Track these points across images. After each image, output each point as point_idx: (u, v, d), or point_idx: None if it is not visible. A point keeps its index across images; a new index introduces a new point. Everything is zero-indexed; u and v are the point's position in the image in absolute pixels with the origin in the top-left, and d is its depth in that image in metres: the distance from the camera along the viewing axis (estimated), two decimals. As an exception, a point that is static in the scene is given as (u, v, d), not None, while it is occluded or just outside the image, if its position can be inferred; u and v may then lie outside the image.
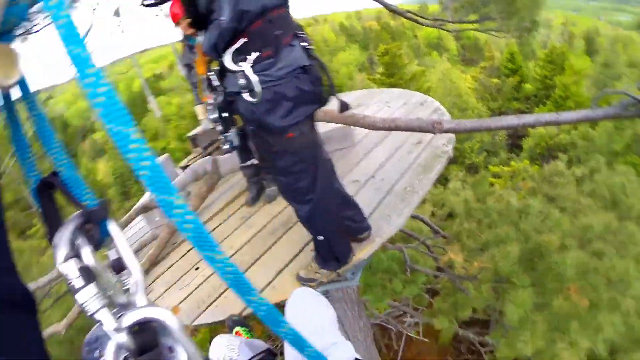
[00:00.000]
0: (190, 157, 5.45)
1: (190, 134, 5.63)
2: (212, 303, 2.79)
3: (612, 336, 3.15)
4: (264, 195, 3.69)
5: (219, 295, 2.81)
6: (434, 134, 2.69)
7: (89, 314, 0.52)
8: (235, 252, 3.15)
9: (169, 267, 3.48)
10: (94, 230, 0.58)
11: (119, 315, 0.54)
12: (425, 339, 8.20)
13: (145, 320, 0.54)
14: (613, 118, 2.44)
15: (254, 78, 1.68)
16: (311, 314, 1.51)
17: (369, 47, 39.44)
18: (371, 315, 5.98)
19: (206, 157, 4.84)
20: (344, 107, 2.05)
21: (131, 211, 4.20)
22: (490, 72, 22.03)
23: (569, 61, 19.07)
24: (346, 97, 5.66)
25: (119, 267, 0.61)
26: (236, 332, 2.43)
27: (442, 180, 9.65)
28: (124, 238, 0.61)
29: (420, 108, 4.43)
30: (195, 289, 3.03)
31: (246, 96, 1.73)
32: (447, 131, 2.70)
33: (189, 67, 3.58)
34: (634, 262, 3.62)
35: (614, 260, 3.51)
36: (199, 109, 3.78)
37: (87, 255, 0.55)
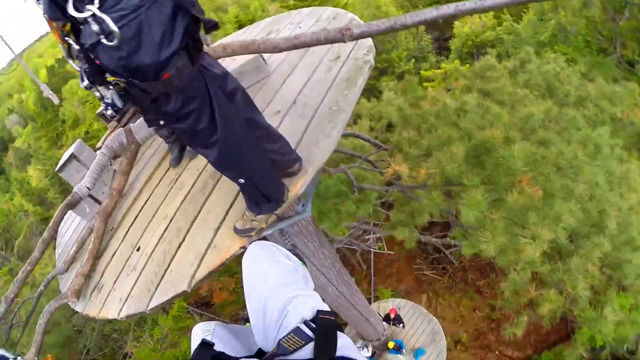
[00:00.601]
0: (105, 134, 4.91)
1: (99, 110, 5.04)
2: (160, 281, 2.56)
3: (571, 223, 3.15)
4: (187, 151, 3.36)
5: (165, 271, 2.57)
6: (345, 42, 2.40)
7: None
8: (170, 221, 2.88)
9: (113, 255, 3.19)
10: None
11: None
12: (391, 252, 8.57)
13: None
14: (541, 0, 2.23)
15: (107, 17, 1.39)
16: (267, 272, 1.41)
17: (277, -25, 36.70)
18: (334, 240, 6.00)
19: (119, 129, 4.34)
20: (211, 26, 1.73)
21: (56, 212, 3.77)
22: (407, -21, 21.20)
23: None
24: (255, 27, 5.17)
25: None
26: None
27: (376, 93, 9.49)
28: None
29: (333, 22, 4.05)
30: (142, 270, 2.78)
31: (105, 42, 1.44)
32: (359, 37, 2.41)
33: None
34: (581, 146, 3.62)
35: (561, 147, 3.48)
36: None
37: None
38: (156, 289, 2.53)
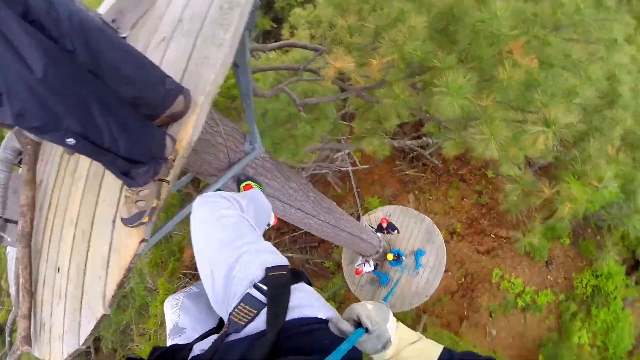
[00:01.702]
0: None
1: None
2: (81, 307, 1.87)
3: (589, 97, 2.30)
4: None
5: (82, 293, 1.86)
6: None
7: None
8: (76, 225, 2.10)
9: (44, 283, 2.47)
10: None
11: None
12: (366, 165, 7.93)
13: None
14: None
15: None
16: (208, 235, 1.16)
17: None
18: (301, 169, 5.29)
19: (8, 134, 3.39)
20: None
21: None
22: None
23: None
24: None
25: None
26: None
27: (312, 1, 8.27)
28: None
29: None
30: (66, 296, 2.08)
31: None
32: None
33: None
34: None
35: (556, -5, 2.48)
36: None
37: None
38: (80, 317, 1.86)
